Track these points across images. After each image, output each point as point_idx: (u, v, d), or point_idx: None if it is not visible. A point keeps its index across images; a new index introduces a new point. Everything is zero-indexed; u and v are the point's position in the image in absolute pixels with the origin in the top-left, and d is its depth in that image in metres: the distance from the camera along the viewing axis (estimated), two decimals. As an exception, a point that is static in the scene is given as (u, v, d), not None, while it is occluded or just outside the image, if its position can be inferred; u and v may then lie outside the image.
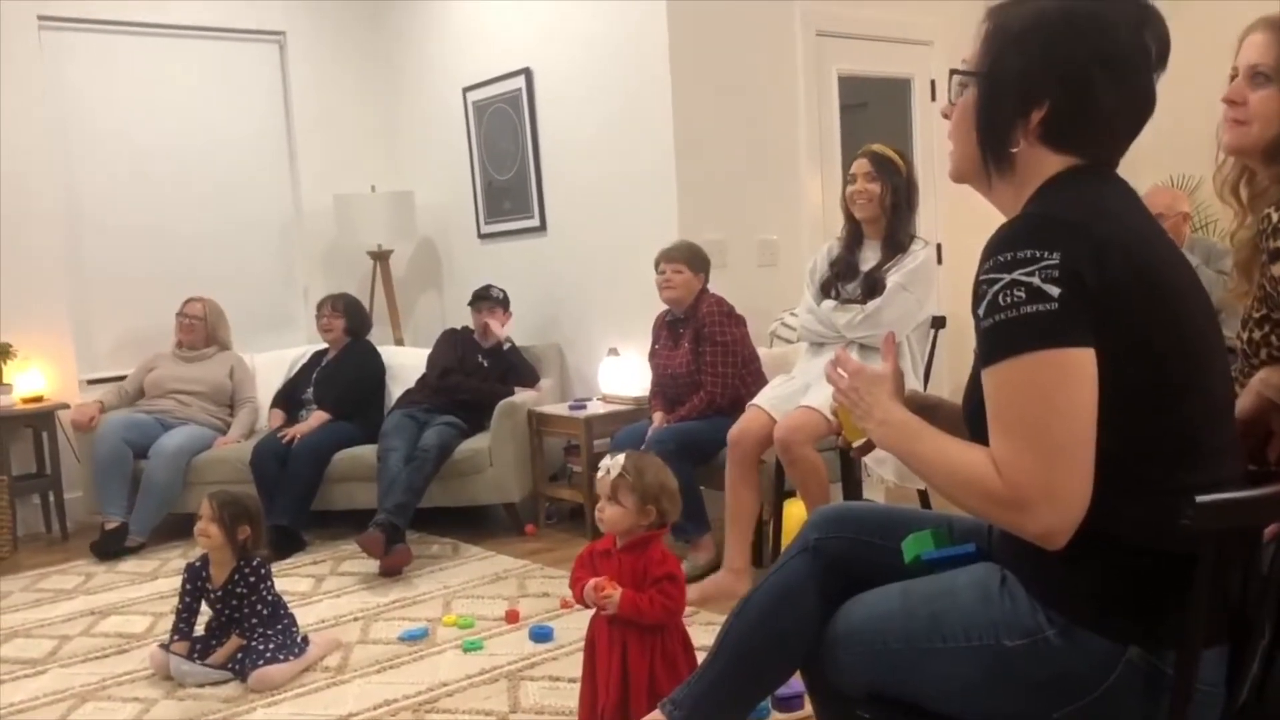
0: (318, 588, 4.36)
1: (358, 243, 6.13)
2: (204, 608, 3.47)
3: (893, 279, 3.48)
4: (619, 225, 5.16)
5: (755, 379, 4.23)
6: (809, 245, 5.22)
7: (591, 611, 2.54)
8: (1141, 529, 1.36)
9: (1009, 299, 1.32)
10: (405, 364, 5.56)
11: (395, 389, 5.45)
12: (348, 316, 5.41)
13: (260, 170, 6.18)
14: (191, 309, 5.48)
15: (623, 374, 5.10)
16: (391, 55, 6.39)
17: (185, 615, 3.43)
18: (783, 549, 3.95)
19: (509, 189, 5.80)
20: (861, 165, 3.58)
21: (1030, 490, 1.32)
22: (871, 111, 5.85)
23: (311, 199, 6.24)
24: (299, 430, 5.00)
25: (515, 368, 5.24)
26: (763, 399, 3.65)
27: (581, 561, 2.57)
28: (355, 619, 3.91)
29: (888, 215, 3.55)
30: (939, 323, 3.75)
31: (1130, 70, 1.45)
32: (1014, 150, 1.48)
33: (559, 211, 5.54)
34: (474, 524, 5.09)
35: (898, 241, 3.55)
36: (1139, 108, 1.48)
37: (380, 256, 6.14)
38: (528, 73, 5.53)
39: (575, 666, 3.24)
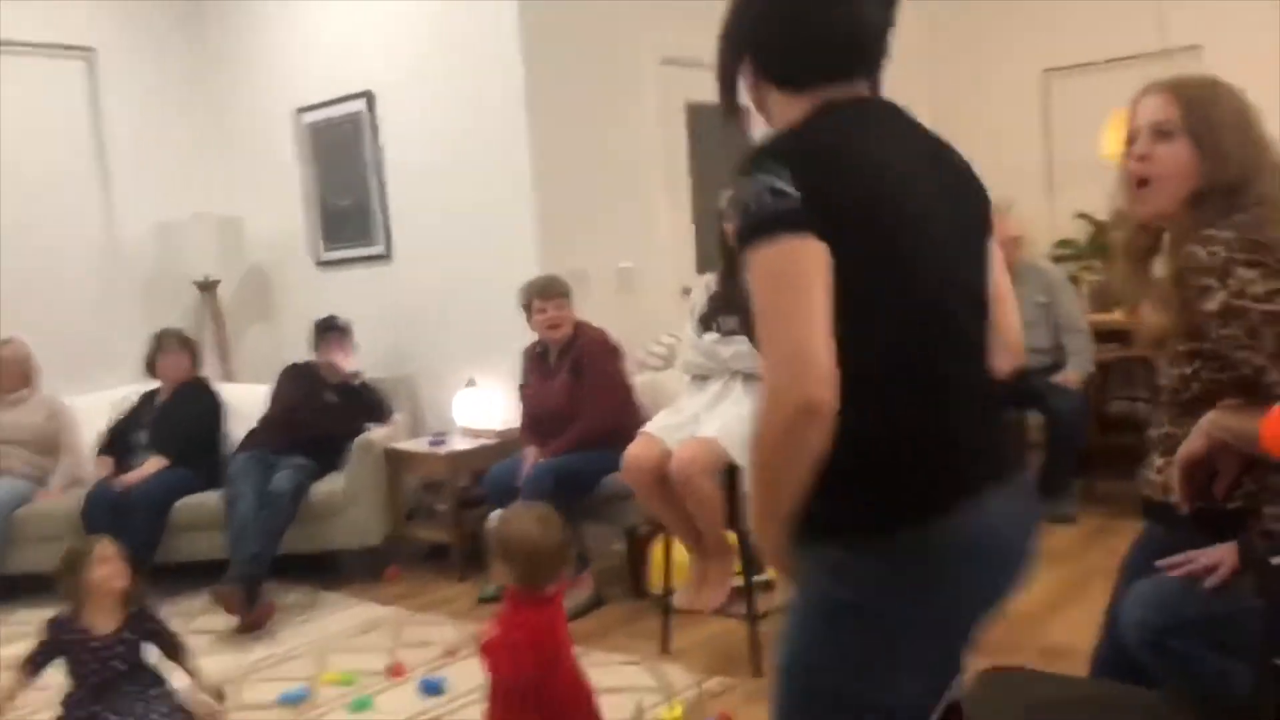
0: (170, 649, 4.05)
1: (183, 273, 5.75)
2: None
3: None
4: (474, 253, 5.04)
5: (634, 412, 4.21)
6: (664, 273, 5.25)
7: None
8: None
9: (758, 201, 1.36)
10: (242, 401, 5.25)
11: (234, 428, 5.14)
12: (191, 353, 5.08)
13: (70, 198, 5.68)
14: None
15: (482, 406, 4.98)
16: (218, 75, 6.03)
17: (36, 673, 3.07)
18: (650, 583, 3.99)
19: (350, 215, 5.58)
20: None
21: (782, 374, 1.33)
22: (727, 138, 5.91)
23: (130, 227, 5.81)
24: (134, 478, 4.65)
25: (366, 403, 5.03)
26: (654, 427, 3.63)
27: None
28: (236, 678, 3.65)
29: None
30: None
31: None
32: (745, 100, 1.55)
33: (407, 238, 5.36)
34: (328, 569, 4.85)
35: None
36: (856, 34, 1.50)
37: (207, 287, 5.79)
38: (369, 96, 5.34)
39: (474, 718, 3.15)
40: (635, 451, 3.56)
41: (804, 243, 1.34)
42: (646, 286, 5.18)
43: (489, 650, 2.50)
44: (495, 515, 2.62)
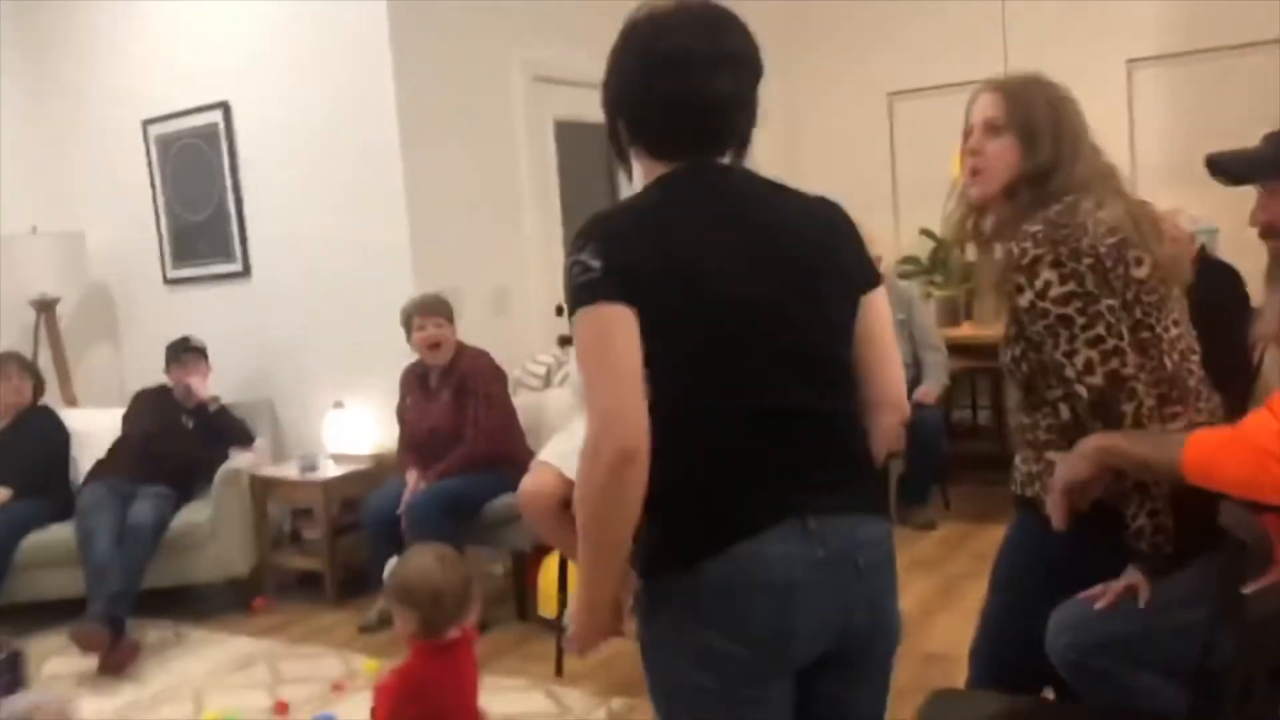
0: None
1: (17, 291, 5.39)
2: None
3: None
4: (341, 270, 4.89)
5: (518, 435, 4.18)
6: (538, 292, 5.22)
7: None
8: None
9: (571, 275, 1.48)
10: (88, 428, 4.96)
11: (79, 456, 4.86)
12: (34, 378, 4.78)
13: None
14: None
15: (351, 429, 4.85)
16: (58, 82, 5.67)
17: None
18: (540, 608, 3.97)
19: (204, 231, 5.34)
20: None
21: (600, 421, 1.43)
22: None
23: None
24: (-25, 512, 4.34)
25: (226, 428, 4.83)
26: (550, 456, 3.60)
27: None
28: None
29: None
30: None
31: (678, 73, 1.53)
32: (633, 159, 1.63)
33: (267, 255, 5.16)
34: (188, 603, 4.63)
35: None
36: (696, 108, 1.55)
37: (45, 306, 5.44)
38: (226, 107, 5.13)
39: None
40: (534, 484, 3.51)
41: (609, 308, 1.44)
42: (521, 306, 5.15)
43: (383, 694, 2.44)
44: (391, 562, 2.54)
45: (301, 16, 4.85)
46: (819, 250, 1.59)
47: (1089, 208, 1.97)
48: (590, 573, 1.54)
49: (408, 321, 4.23)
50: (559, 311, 5.44)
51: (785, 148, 7.27)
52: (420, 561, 2.52)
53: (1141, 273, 1.96)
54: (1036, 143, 2.01)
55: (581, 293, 1.46)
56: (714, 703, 1.51)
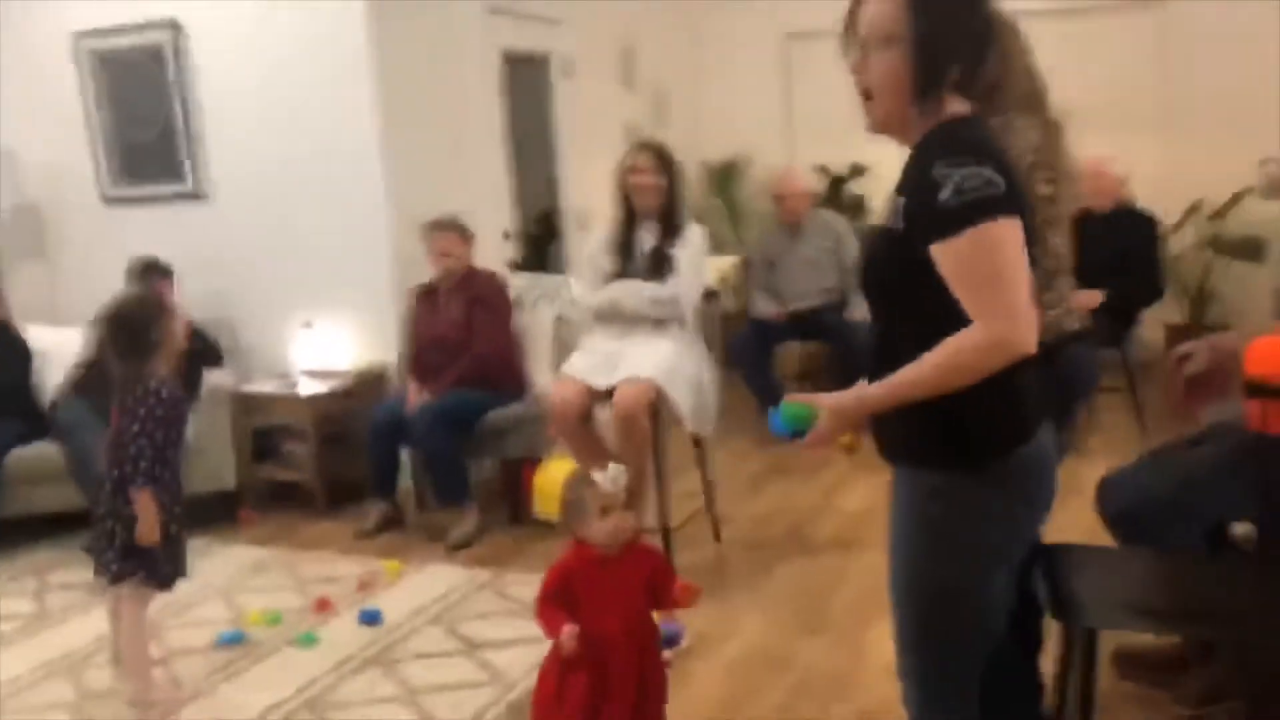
0: (46, 605, 3.92)
1: (-55, 208, 5.24)
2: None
3: (683, 258, 3.91)
4: (306, 196, 4.99)
5: (518, 352, 4.49)
6: (485, 217, 5.40)
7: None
8: None
9: (971, 185, 1.70)
10: (46, 346, 4.92)
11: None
12: (-10, 298, 4.71)
13: None
14: None
15: (321, 348, 4.99)
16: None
17: None
18: (535, 509, 4.30)
19: (151, 151, 5.29)
20: (645, 159, 3.95)
21: (1005, 325, 1.68)
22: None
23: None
24: (-47, 432, 4.31)
25: (201, 347, 4.88)
26: (573, 369, 3.92)
27: (552, 592, 2.47)
28: (137, 633, 3.58)
29: (665, 200, 3.97)
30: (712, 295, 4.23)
31: (992, 39, 1.87)
32: (939, 100, 1.82)
33: (223, 178, 5.18)
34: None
35: (675, 224, 3.98)
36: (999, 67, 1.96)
37: (-25, 224, 5.30)
38: (174, 24, 5.08)
39: (427, 642, 3.40)
40: (562, 393, 3.84)
41: (1012, 221, 1.72)
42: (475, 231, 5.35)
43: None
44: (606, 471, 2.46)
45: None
46: None
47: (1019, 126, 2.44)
48: (889, 398, 1.78)
49: (426, 237, 4.50)
50: (505, 236, 5.70)
51: (690, 87, 7.66)
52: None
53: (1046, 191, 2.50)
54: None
55: (989, 205, 1.68)
56: (1000, 559, 1.87)
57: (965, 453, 1.81)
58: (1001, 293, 1.68)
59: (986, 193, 1.68)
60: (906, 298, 1.81)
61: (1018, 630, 1.98)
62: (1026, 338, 1.69)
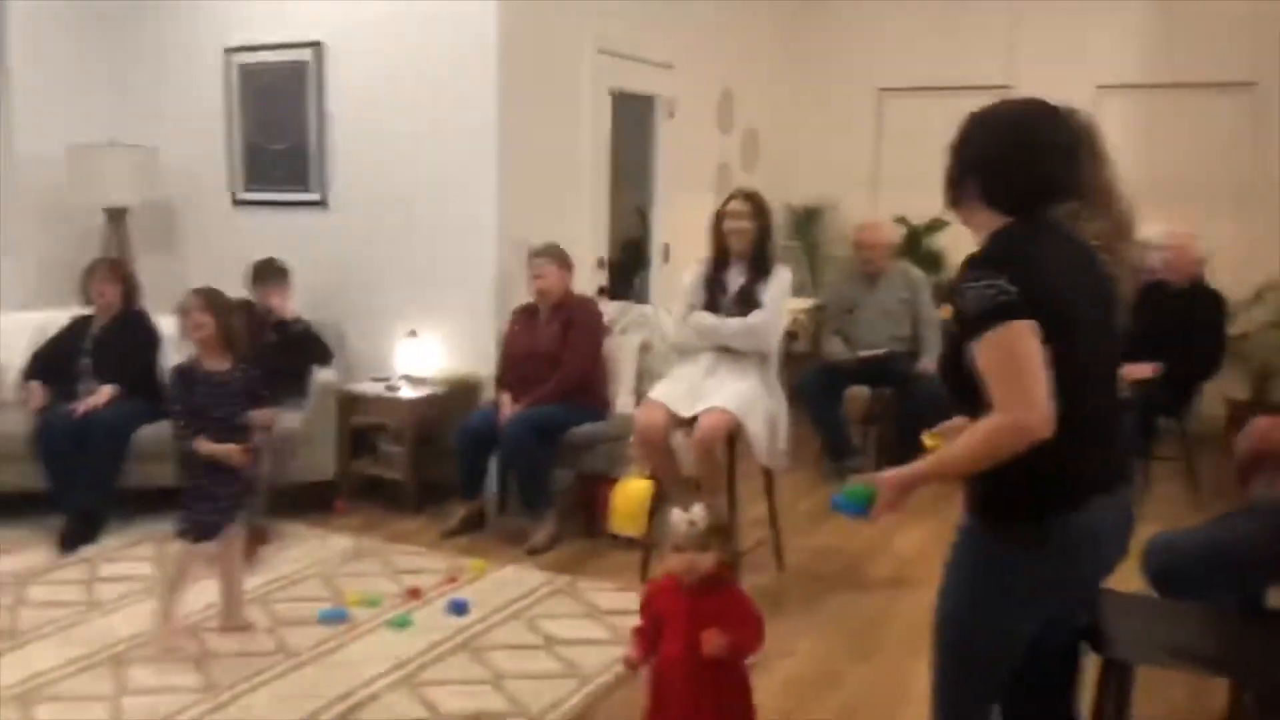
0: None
1: (91, 199, 5.70)
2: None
3: (769, 296, 4.22)
4: (422, 214, 5.38)
5: (606, 372, 4.84)
6: (584, 246, 5.74)
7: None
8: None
9: (987, 294, 1.97)
10: (173, 333, 5.33)
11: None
12: (125, 282, 5.13)
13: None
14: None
15: (424, 356, 5.36)
16: (145, 5, 5.97)
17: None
18: (610, 523, 4.60)
19: (282, 159, 5.73)
20: (740, 205, 4.27)
21: (1021, 408, 1.92)
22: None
23: (30, 149, 5.69)
24: (91, 405, 4.73)
25: (310, 345, 5.27)
26: (660, 395, 4.23)
27: (646, 609, 2.67)
28: (248, 599, 3.93)
29: (756, 244, 4.28)
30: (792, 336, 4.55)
31: (1038, 156, 2.07)
32: (962, 202, 2.15)
33: (346, 190, 5.60)
34: (273, 501, 5.07)
35: (764, 265, 4.29)
36: (1046, 184, 2.12)
37: (115, 215, 5.76)
38: (318, 46, 5.52)
39: (510, 635, 3.71)
40: (648, 417, 4.16)
41: (1024, 324, 1.94)
42: (575, 259, 5.70)
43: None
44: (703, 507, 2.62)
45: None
46: (1104, 276, 2.20)
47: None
48: (945, 471, 2.09)
49: (529, 262, 4.90)
50: (600, 264, 6.05)
51: (781, 136, 7.97)
52: (712, 506, 2.67)
53: None
54: None
55: (1001, 311, 1.94)
56: (1028, 612, 2.11)
57: (1011, 513, 2.07)
58: (1015, 386, 1.94)
59: (998, 300, 1.95)
60: (962, 383, 2.07)
61: (1057, 663, 2.25)
62: (1040, 424, 1.93)
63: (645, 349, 5.12)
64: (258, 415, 3.73)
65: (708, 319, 4.23)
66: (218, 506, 3.60)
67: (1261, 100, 6.67)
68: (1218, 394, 6.26)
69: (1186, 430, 5.50)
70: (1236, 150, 6.76)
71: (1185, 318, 5.27)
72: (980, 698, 2.20)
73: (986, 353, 1.97)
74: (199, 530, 3.59)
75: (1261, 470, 2.82)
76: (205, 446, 3.54)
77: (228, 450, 3.56)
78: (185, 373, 3.66)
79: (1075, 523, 2.04)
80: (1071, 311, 2.02)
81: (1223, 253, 5.93)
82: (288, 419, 4.76)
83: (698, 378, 4.23)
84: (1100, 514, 2.07)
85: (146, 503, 4.75)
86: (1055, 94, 2.24)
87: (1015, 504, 2.05)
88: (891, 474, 2.14)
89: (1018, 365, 1.94)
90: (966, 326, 2.00)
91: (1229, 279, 5.85)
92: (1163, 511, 4.95)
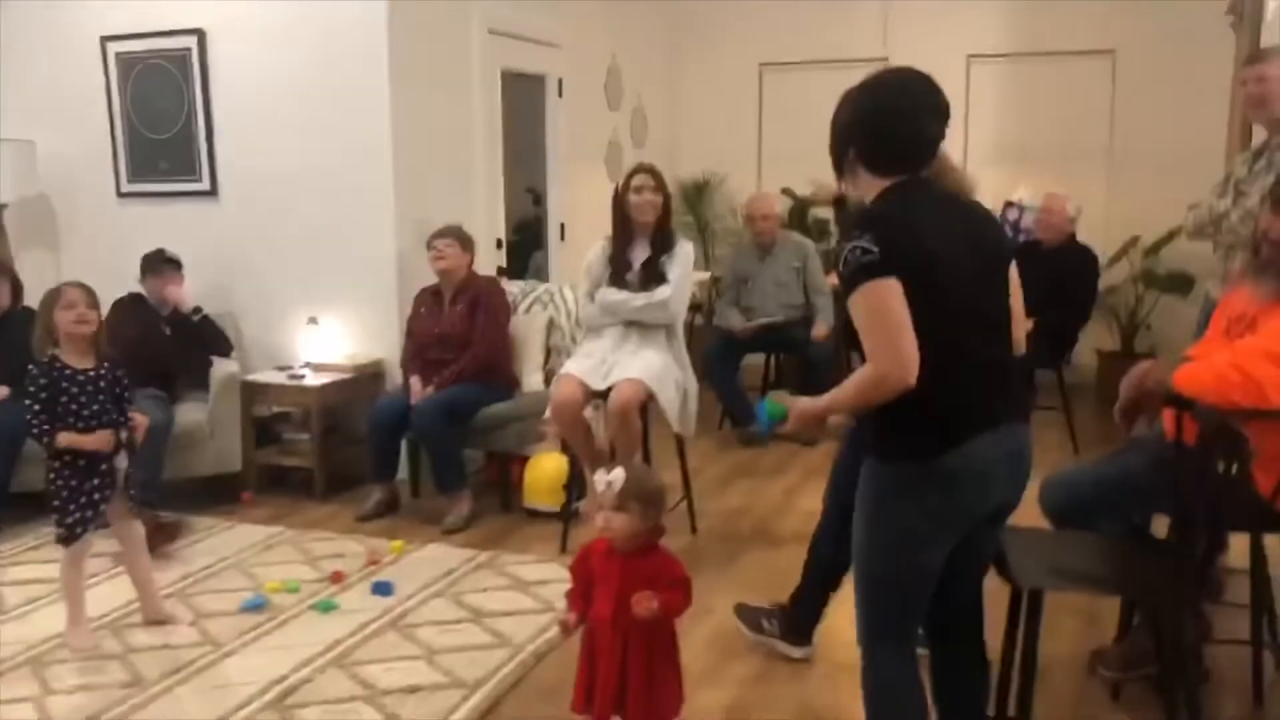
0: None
1: (-36, 195, 5.51)
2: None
3: (674, 271, 4.32)
4: (315, 201, 5.34)
5: (511, 352, 4.90)
6: (480, 227, 5.76)
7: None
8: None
9: (853, 255, 2.15)
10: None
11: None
12: (12, 280, 4.99)
13: None
14: None
15: (324, 342, 5.33)
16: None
17: None
18: (525, 500, 4.68)
19: (168, 149, 5.60)
20: (646, 179, 4.36)
21: (885, 361, 2.10)
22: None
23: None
24: (-20, 407, 4.59)
25: (209, 336, 5.21)
26: (573, 369, 4.31)
27: (578, 571, 2.73)
28: (165, 595, 3.89)
29: (660, 219, 4.38)
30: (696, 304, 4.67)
31: (909, 117, 2.23)
32: (846, 173, 2.33)
33: (236, 179, 5.51)
34: (178, 496, 5.01)
35: (667, 240, 4.39)
36: (919, 143, 2.28)
37: (-8, 211, 5.58)
38: (200, 34, 5.41)
39: (437, 611, 3.77)
40: (562, 393, 4.24)
41: (886, 281, 2.09)
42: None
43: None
44: (618, 471, 2.65)
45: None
46: (990, 234, 2.36)
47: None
48: (835, 407, 2.26)
49: (430, 244, 4.91)
50: (498, 244, 6.09)
51: (667, 112, 8.11)
52: (643, 468, 2.80)
53: None
54: None
55: (863, 270, 2.09)
56: (923, 542, 2.25)
57: (898, 452, 2.24)
58: (879, 340, 2.11)
59: (862, 261, 2.10)
60: (855, 339, 2.24)
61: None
62: (902, 376, 2.08)
63: (552, 327, 5.20)
64: (135, 419, 3.61)
65: (615, 294, 4.32)
66: (90, 500, 3.48)
67: (1121, 66, 7.04)
68: (1089, 346, 6.63)
69: (1064, 381, 5.81)
70: (1099, 114, 7.13)
71: (1059, 274, 5.56)
72: (894, 620, 2.34)
73: (855, 310, 2.14)
74: (72, 530, 3.48)
75: (1141, 411, 3.04)
76: (67, 437, 3.42)
77: (94, 438, 3.44)
78: (48, 370, 3.49)
79: (957, 461, 2.19)
80: (939, 266, 2.15)
81: (1090, 212, 6.27)
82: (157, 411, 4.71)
83: (608, 351, 4.32)
84: (984, 452, 2.21)
85: (43, 505, 4.62)
86: (929, 64, 2.38)
87: (900, 445, 2.22)
88: (803, 402, 2.37)
89: (880, 321, 2.10)
90: (843, 286, 2.17)
91: (1098, 236, 6.20)
92: (1045, 459, 5.23)
